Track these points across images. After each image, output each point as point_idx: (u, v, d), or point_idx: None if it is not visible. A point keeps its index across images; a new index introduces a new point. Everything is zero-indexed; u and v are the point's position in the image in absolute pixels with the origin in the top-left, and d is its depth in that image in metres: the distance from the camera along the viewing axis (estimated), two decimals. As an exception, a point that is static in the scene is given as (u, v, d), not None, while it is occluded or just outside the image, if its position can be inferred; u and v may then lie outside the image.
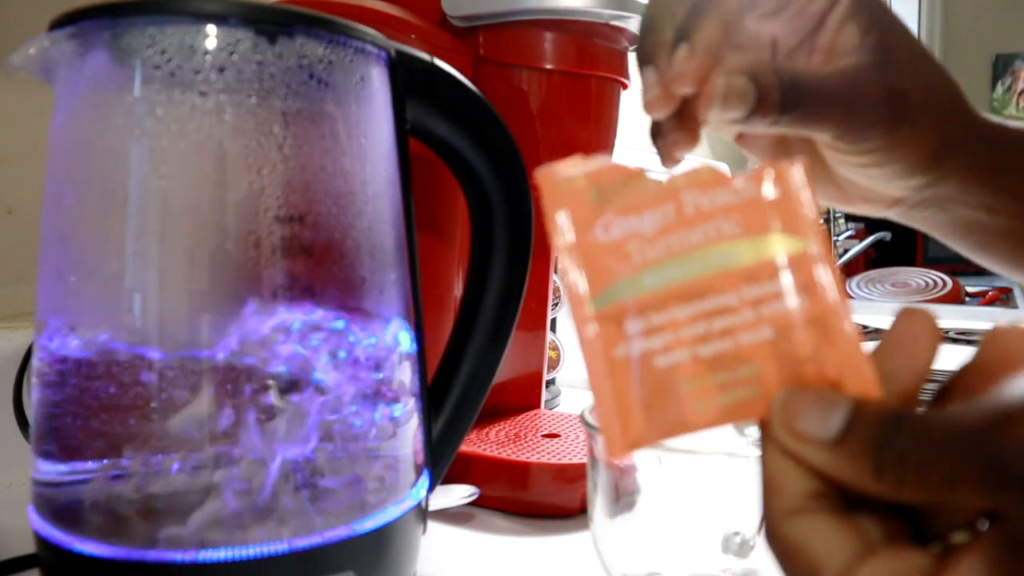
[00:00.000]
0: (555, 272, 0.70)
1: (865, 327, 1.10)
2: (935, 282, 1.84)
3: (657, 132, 0.36)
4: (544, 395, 0.67)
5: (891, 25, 0.35)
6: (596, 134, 0.54)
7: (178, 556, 0.29)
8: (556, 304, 0.80)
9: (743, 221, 0.23)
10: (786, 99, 0.32)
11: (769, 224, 0.23)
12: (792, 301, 0.23)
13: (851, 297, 1.84)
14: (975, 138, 0.36)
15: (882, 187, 0.37)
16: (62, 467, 0.32)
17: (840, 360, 0.22)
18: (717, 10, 0.34)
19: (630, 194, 0.24)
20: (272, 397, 0.31)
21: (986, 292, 1.88)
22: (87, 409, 0.31)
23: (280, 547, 0.30)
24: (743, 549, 0.36)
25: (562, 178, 0.24)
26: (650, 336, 0.23)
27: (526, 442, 0.56)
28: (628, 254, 0.24)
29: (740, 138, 0.41)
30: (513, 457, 0.52)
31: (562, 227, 0.24)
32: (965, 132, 0.36)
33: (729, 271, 0.23)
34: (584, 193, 0.24)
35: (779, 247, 0.23)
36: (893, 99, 0.34)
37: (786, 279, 0.23)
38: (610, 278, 0.24)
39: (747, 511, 0.36)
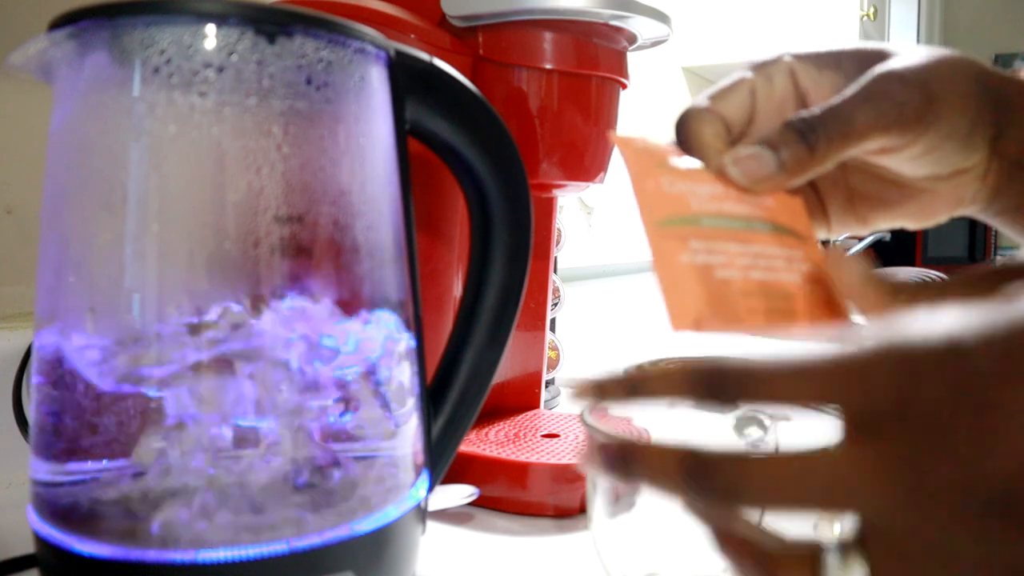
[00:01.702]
0: (555, 272, 0.70)
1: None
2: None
3: None
4: (544, 395, 0.67)
5: (857, 52, 0.37)
6: (596, 134, 0.54)
7: (178, 556, 0.29)
8: (556, 304, 0.80)
9: (768, 212, 0.32)
10: (805, 133, 0.33)
11: (785, 221, 0.33)
12: (805, 265, 0.31)
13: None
14: (1002, 80, 0.37)
15: (965, 160, 0.37)
16: (61, 467, 0.32)
17: (828, 294, 0.31)
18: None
19: (686, 170, 0.32)
20: (272, 397, 0.31)
21: (986, 292, 1.88)
22: (86, 409, 0.31)
23: (279, 547, 0.30)
24: (743, 549, 0.36)
25: (636, 142, 0.32)
26: (710, 254, 0.29)
27: (525, 442, 0.56)
28: (688, 202, 0.30)
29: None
30: (512, 457, 0.52)
31: (635, 169, 0.30)
32: (991, 79, 0.36)
33: (765, 233, 0.31)
34: (649, 158, 0.31)
35: (792, 236, 0.32)
36: (907, 77, 0.34)
37: (801, 252, 0.32)
38: (673, 211, 0.30)
39: (746, 511, 0.36)
